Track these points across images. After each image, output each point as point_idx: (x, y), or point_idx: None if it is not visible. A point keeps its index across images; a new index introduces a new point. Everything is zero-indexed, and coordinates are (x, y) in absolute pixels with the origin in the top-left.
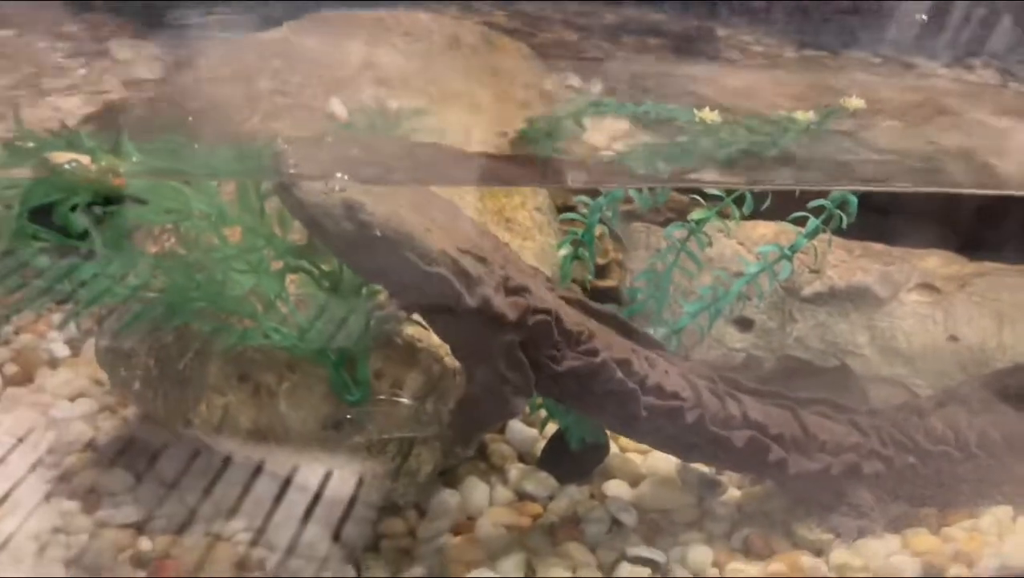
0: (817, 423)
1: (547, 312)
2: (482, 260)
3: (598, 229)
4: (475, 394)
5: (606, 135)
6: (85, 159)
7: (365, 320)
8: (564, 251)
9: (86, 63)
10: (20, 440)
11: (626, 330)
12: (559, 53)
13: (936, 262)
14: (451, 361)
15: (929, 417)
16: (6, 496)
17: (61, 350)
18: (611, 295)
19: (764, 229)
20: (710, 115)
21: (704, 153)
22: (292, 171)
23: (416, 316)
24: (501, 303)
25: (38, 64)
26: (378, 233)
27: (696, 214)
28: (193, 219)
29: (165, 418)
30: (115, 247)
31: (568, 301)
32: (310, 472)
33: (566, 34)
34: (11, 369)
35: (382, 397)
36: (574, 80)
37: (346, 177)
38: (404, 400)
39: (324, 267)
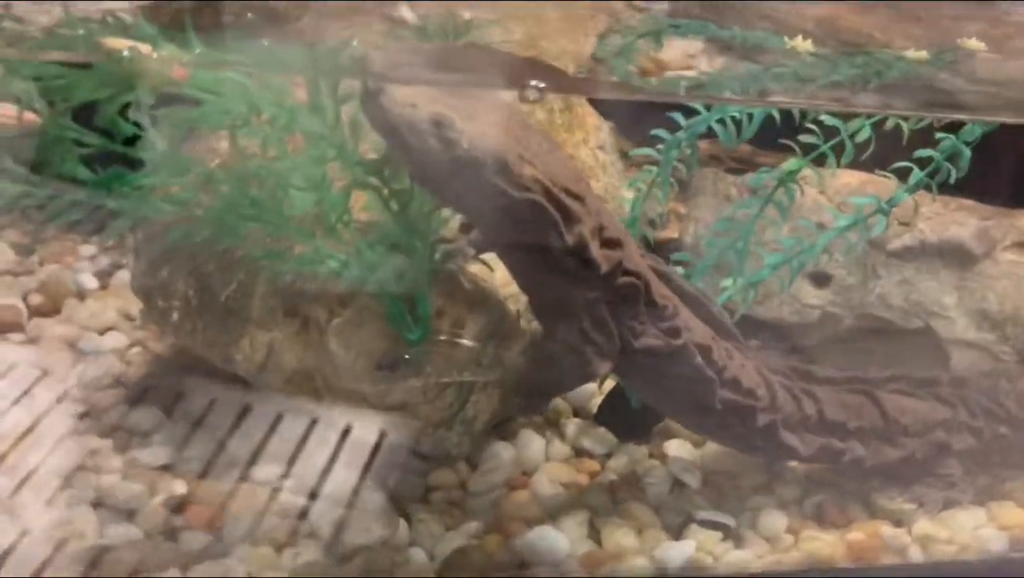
0: (898, 405)
1: (638, 275)
2: (579, 199)
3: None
4: (554, 352)
5: (679, 54)
6: (145, 48)
7: (430, 252)
8: (631, 191)
9: None
10: (46, 372)
11: (709, 315)
12: None
13: None
14: (516, 304)
15: (1020, 382)
16: (29, 429)
17: (89, 282)
18: (669, 248)
19: (848, 178)
20: (803, 44)
21: (806, 82)
22: (377, 76)
23: (482, 256)
24: (595, 250)
25: None
26: (465, 153)
27: (790, 164)
28: (259, 122)
29: (204, 353)
30: (165, 155)
31: (656, 272)
32: (358, 416)
33: None
34: (36, 299)
35: (442, 337)
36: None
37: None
38: (465, 342)
39: (396, 186)
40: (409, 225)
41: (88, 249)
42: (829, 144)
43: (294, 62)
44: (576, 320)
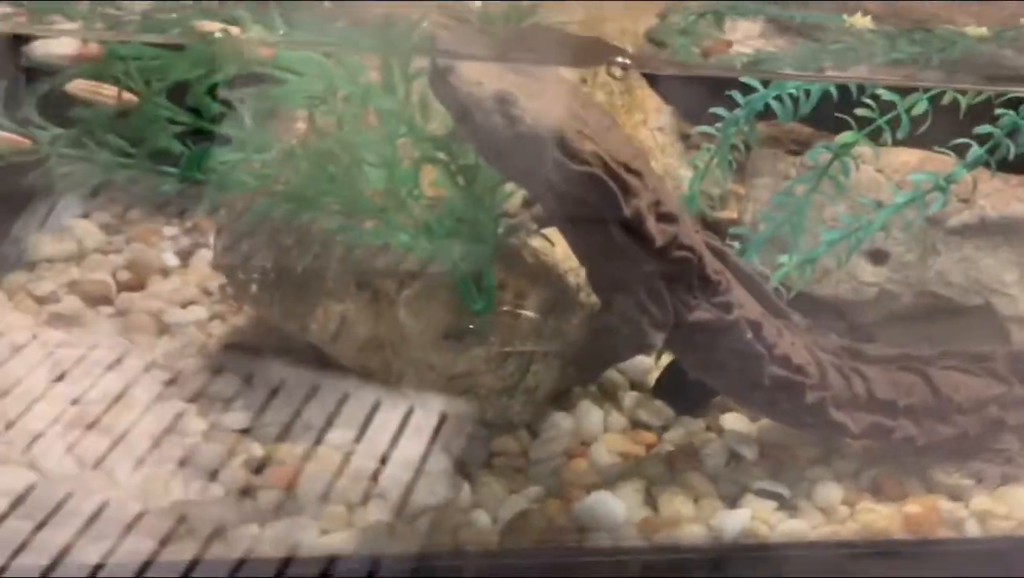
0: (951, 382)
1: (691, 250)
2: (637, 174)
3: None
4: (611, 323)
5: (740, 34)
6: (235, 29)
7: (494, 227)
8: (690, 170)
9: None
10: (134, 343)
11: (761, 293)
12: None
13: None
14: (575, 278)
15: None
16: (121, 395)
17: (171, 260)
18: (729, 229)
19: (907, 156)
20: (861, 20)
21: (864, 58)
22: (448, 54)
23: (544, 231)
24: (651, 224)
25: None
26: (528, 129)
27: (844, 137)
28: (337, 99)
29: (281, 324)
30: (253, 132)
31: (710, 248)
32: (426, 383)
33: None
34: (124, 275)
35: (506, 308)
36: None
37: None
38: (528, 313)
39: (462, 161)
40: (474, 200)
41: (171, 230)
42: (885, 118)
43: (369, 42)
44: (633, 292)
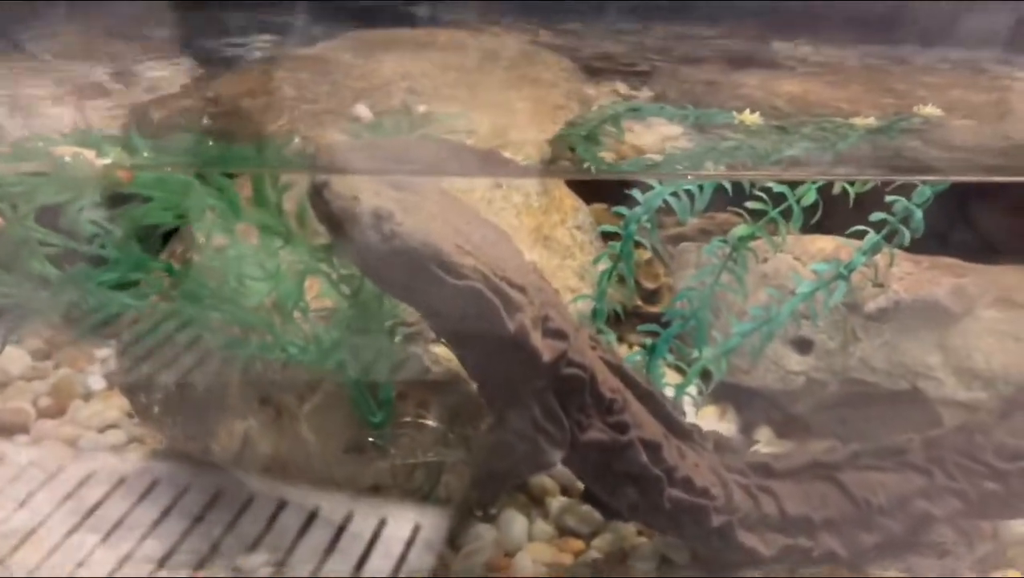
0: (868, 485)
1: (582, 367)
2: (520, 289)
3: (646, 253)
4: (506, 441)
5: (657, 137)
6: (90, 153)
7: (388, 336)
8: (601, 265)
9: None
10: (47, 472)
11: (662, 412)
12: (605, 66)
13: (1017, 277)
14: None
15: (995, 433)
16: (32, 531)
17: (97, 383)
18: (660, 321)
19: (822, 243)
20: (751, 117)
21: (757, 155)
22: (329, 168)
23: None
24: (536, 339)
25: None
26: (402, 244)
27: (739, 230)
28: (204, 216)
29: (185, 446)
30: (123, 251)
31: (608, 365)
32: (333, 502)
33: (614, 48)
34: (45, 402)
35: (407, 420)
36: (621, 87)
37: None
38: (429, 423)
39: (344, 271)
40: (363, 309)
41: (103, 352)
42: (777, 209)
43: (239, 159)
44: (526, 408)
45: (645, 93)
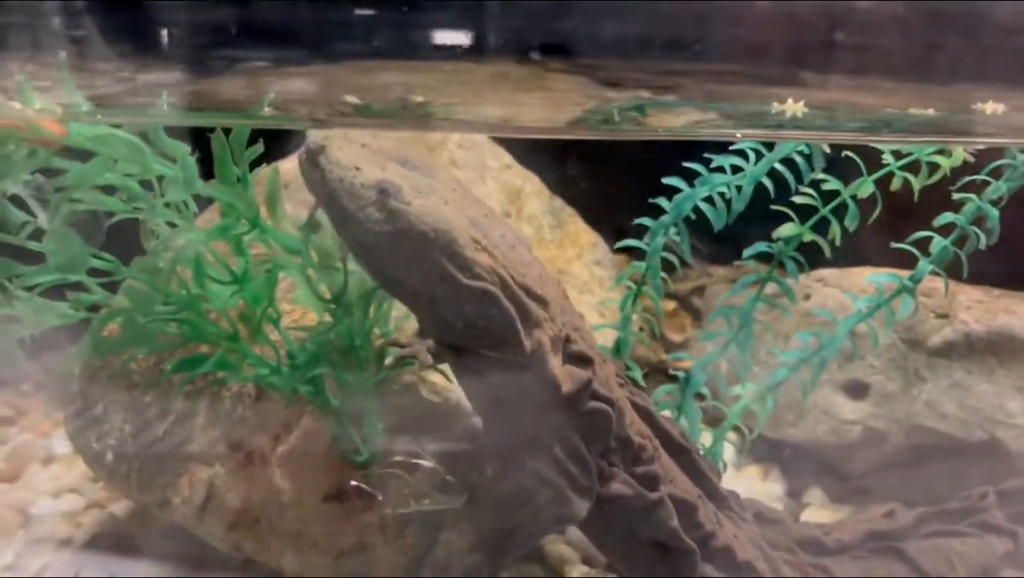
0: (940, 554)
1: (608, 402)
2: (541, 302)
3: (670, 304)
4: (521, 489)
5: (687, 120)
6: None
7: (378, 357)
8: (617, 292)
9: None
10: None
11: (696, 471)
12: (627, 81)
13: None
14: None
15: None
16: None
17: (61, 447)
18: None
19: (871, 273)
20: (795, 106)
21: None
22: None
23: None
24: (556, 364)
25: None
26: (408, 227)
27: (785, 229)
28: (151, 180)
29: (140, 499)
30: (59, 244)
31: (636, 408)
32: (310, 564)
33: (634, 74)
34: (1, 467)
35: (398, 460)
36: (644, 93)
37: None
38: (425, 464)
39: (327, 267)
40: (348, 320)
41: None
42: (829, 207)
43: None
44: (545, 448)
45: (669, 98)
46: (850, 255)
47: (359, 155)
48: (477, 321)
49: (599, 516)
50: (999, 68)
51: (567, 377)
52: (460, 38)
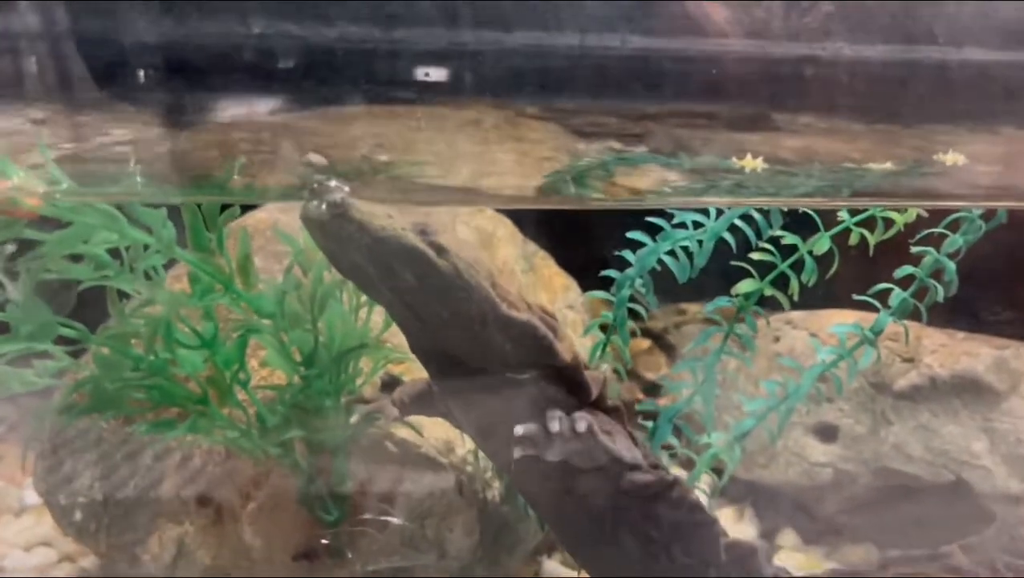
0: None
1: (618, 404)
2: (551, 324)
3: (645, 342)
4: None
5: (655, 180)
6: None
7: (345, 414)
8: (588, 339)
9: None
10: None
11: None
12: (597, 130)
13: None
14: (459, 472)
15: None
16: None
17: (33, 497)
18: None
19: (840, 317)
20: (752, 161)
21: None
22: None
23: (408, 418)
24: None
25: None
26: (459, 260)
27: (743, 285)
28: (129, 248)
29: (109, 557)
30: (27, 312)
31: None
32: None
33: (604, 119)
34: None
35: (367, 516)
36: (615, 144)
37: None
38: (394, 520)
39: (296, 332)
40: (316, 381)
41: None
42: (787, 262)
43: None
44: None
45: (640, 149)
46: (821, 296)
47: (376, 205)
48: (523, 340)
49: (614, 509)
50: (966, 108)
51: (592, 380)
52: (437, 76)
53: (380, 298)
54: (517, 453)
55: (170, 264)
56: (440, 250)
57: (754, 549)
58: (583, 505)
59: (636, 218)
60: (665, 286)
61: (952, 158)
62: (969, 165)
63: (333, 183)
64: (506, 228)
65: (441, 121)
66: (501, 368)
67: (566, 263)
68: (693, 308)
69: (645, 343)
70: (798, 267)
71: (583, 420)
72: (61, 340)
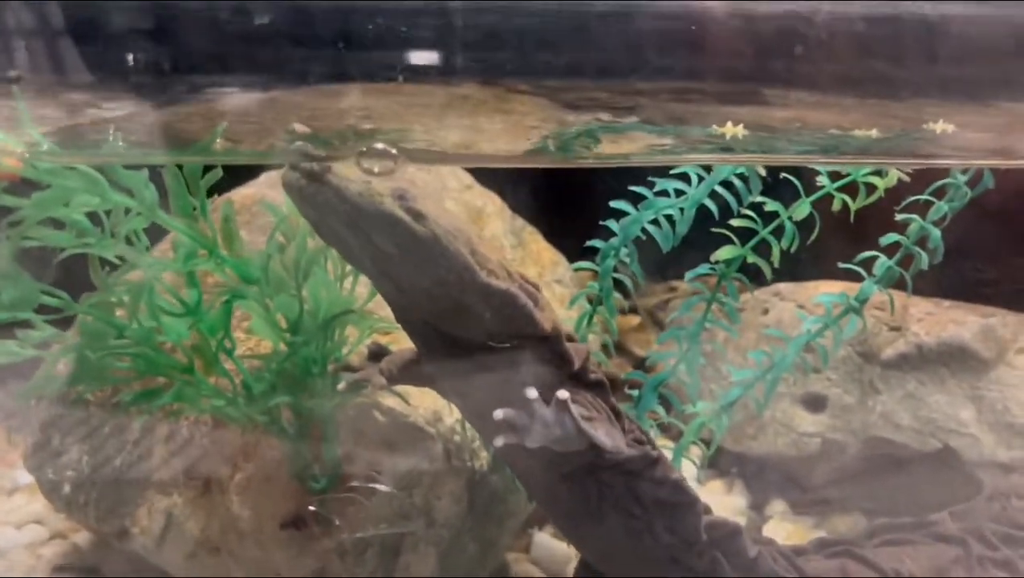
0: (895, 554)
1: (601, 377)
2: (532, 294)
3: (635, 318)
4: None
5: (642, 145)
6: None
7: (332, 382)
8: (574, 310)
9: None
10: None
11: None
12: (587, 104)
13: None
14: (447, 441)
15: None
16: None
17: (25, 477)
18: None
19: (827, 288)
20: (733, 128)
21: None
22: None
23: (396, 387)
24: (564, 343)
25: None
26: (438, 226)
27: (723, 252)
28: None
29: (98, 529)
30: (7, 280)
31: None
32: None
33: (596, 93)
34: None
35: (355, 484)
36: (604, 116)
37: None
38: (383, 488)
39: (282, 297)
40: (303, 348)
41: None
42: (768, 229)
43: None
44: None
45: (631, 119)
46: (811, 268)
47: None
48: (504, 309)
49: (596, 485)
50: (958, 83)
51: (575, 352)
52: (427, 59)
53: (362, 267)
54: (498, 441)
55: (157, 238)
56: (418, 216)
57: (738, 529)
58: (566, 482)
59: (622, 183)
60: (656, 263)
61: (942, 126)
62: (957, 132)
63: (311, 148)
64: (494, 204)
65: (429, 96)
66: (482, 337)
67: (555, 238)
68: (684, 285)
69: (635, 320)
70: (780, 234)
71: (563, 407)
72: (43, 309)
